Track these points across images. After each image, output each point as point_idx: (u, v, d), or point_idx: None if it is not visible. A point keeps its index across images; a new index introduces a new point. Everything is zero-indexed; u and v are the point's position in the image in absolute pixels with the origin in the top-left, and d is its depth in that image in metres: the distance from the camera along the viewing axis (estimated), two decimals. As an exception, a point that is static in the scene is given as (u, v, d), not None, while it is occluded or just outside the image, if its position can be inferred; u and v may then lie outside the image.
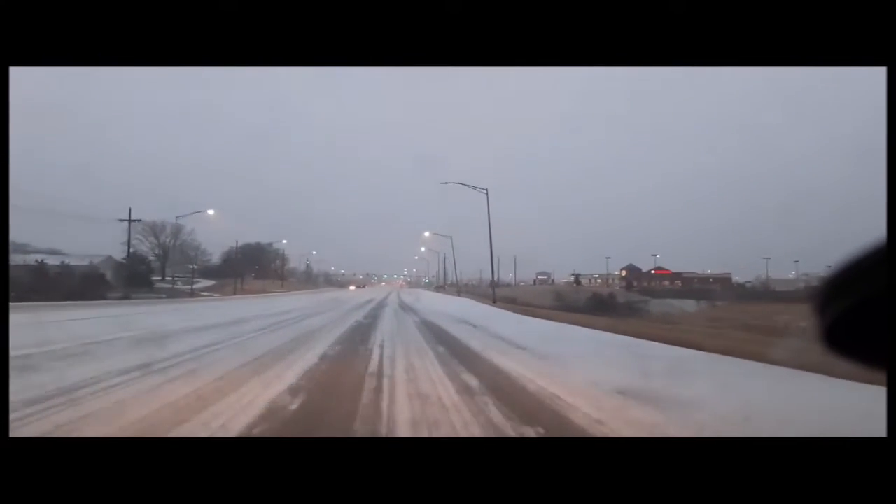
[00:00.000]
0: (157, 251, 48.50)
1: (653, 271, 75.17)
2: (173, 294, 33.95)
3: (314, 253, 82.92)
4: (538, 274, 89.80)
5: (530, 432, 3.42)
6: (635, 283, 68.43)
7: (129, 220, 31.29)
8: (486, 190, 25.50)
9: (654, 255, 76.93)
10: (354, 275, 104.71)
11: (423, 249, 62.94)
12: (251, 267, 65.75)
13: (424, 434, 3.32)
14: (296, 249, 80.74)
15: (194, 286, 42.48)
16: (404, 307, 22.64)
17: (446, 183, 26.23)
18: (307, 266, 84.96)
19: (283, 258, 72.81)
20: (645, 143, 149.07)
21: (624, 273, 77.63)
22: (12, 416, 3.16)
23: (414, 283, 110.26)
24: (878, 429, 1.18)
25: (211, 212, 38.14)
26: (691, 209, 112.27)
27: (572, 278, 79.93)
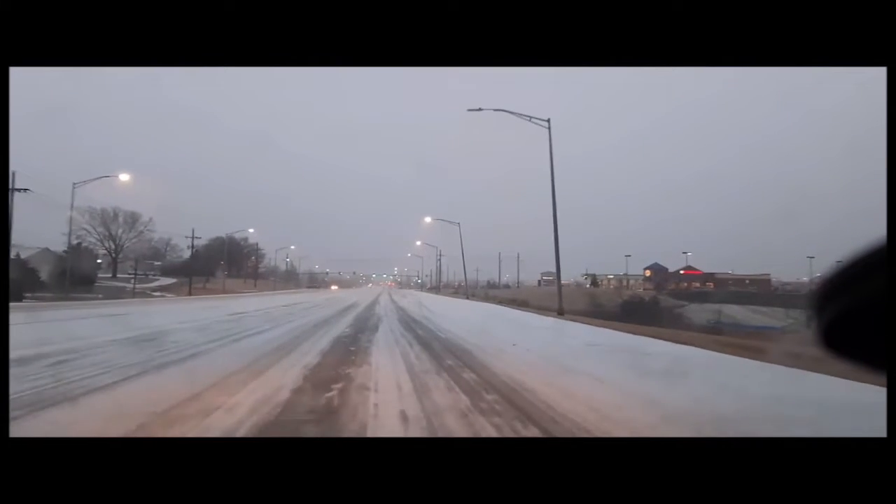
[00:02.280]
0: (107, 244, 42.85)
1: (681, 272, 65.59)
2: (114, 294, 29.04)
3: (292, 247, 72.76)
4: (543, 274, 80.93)
5: None
6: (659, 285, 60.78)
7: (10, 190, 20.16)
8: (549, 121, 16.72)
9: (685, 253, 66.57)
10: (340, 274, 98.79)
11: (418, 244, 56.94)
12: (227, 263, 57.52)
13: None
14: (278, 247, 72.47)
15: (152, 284, 39.06)
16: (415, 328, 12.18)
17: (479, 109, 18.12)
18: (288, 264, 76.70)
19: (257, 253, 64.58)
20: (660, 140, 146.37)
21: (648, 273, 68.35)
22: None
23: (403, 284, 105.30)
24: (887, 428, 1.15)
25: (124, 176, 28.22)
26: (714, 207, 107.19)
27: (584, 279, 72.73)
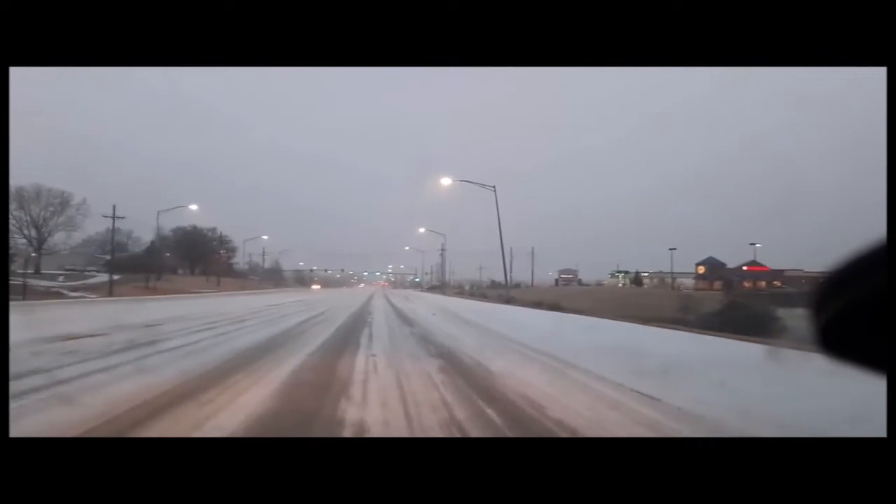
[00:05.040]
0: (27, 231, 34.31)
1: (744, 268, 52.61)
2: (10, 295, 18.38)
3: (265, 237, 61.27)
4: (561, 272, 72.75)
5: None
6: (726, 284, 46.62)
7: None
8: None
9: (753, 245, 52.63)
10: (327, 271, 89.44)
11: (421, 230, 49.15)
12: (191, 257, 51.87)
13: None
14: (268, 244, 64.56)
15: (88, 281, 32.17)
16: None
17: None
18: (266, 259, 67.59)
19: (221, 243, 55.11)
20: (660, 135, 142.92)
21: (701, 270, 55.84)
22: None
23: (398, 283, 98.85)
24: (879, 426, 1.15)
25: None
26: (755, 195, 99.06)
27: (613, 277, 63.64)
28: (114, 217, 31.24)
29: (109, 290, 28.16)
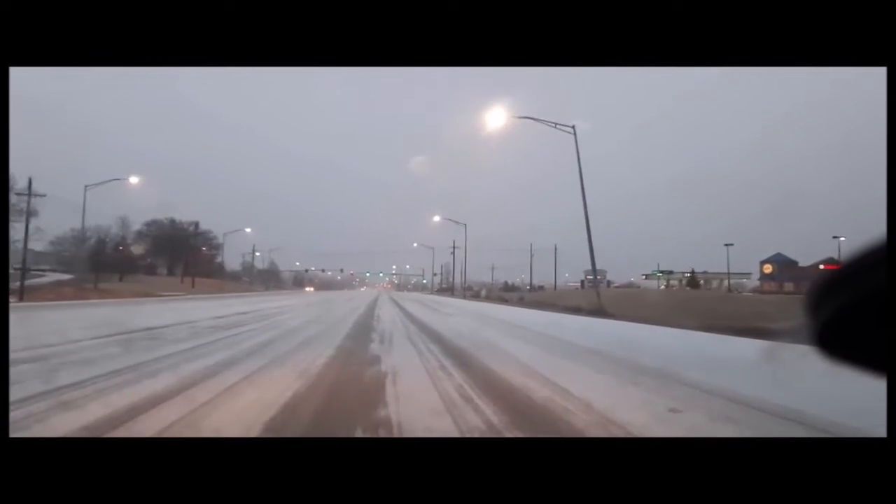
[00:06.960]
0: None
1: (821, 266, 42.24)
2: None
3: (248, 230, 53.52)
4: (586, 273, 61.74)
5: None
6: (786, 285, 39.62)
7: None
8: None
9: (837, 238, 41.23)
10: (324, 271, 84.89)
11: (436, 219, 44.40)
12: (168, 254, 48.37)
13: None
14: (256, 240, 60.36)
15: (30, 282, 23.72)
16: None
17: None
18: (268, 261, 64.14)
19: (198, 235, 50.23)
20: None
21: (768, 269, 48.32)
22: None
23: (401, 285, 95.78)
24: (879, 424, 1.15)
25: None
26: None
27: (648, 278, 56.15)
28: (29, 195, 24.10)
29: (21, 293, 21.42)
